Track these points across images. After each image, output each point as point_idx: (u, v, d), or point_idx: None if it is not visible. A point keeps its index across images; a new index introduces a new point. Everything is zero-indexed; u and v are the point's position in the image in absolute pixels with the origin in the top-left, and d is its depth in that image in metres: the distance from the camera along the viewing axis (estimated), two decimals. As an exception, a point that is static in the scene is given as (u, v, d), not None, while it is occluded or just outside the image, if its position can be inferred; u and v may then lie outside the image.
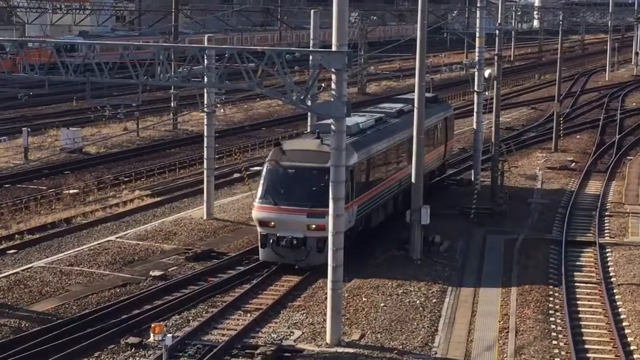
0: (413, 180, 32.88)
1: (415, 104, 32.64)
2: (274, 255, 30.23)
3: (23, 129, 53.08)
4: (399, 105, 40.34)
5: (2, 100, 67.33)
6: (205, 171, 37.49)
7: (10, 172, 46.16)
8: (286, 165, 30.79)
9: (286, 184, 30.69)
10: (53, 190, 42.51)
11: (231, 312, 26.92)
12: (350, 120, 32.43)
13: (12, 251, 33.04)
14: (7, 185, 43.65)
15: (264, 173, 31.04)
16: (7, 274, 30.24)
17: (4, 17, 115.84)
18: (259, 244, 30.65)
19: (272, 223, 30.14)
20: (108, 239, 34.46)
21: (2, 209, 38.68)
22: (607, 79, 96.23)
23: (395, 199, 36.78)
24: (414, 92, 38.04)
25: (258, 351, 23.55)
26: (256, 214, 30.65)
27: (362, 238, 32.34)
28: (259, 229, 30.62)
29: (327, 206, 26.15)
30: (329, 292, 24.54)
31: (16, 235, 34.99)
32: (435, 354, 24.14)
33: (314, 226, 29.54)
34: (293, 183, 30.61)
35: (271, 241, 30.08)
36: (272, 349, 23.74)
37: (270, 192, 30.38)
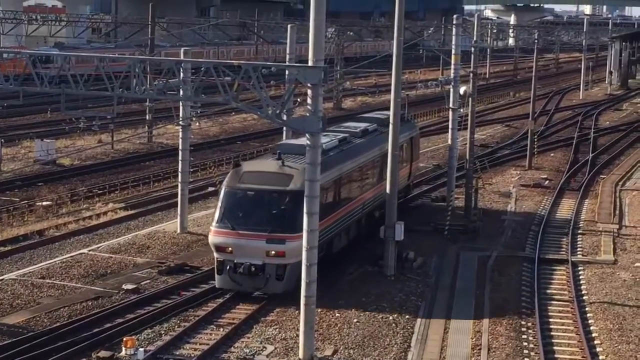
0: (387, 196, 32.93)
1: (391, 120, 32.70)
2: (231, 282, 28.74)
3: (-4, 140, 52.85)
4: (363, 125, 38.79)
5: (-25, 110, 67.01)
6: (179, 184, 37.39)
7: (-18, 183, 45.89)
8: (245, 187, 29.38)
9: (244, 208, 29.23)
10: (26, 202, 42.26)
11: (204, 327, 26.77)
12: None
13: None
14: (-22, 197, 43.41)
15: (221, 196, 29.68)
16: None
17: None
18: (215, 270, 29.19)
19: (229, 249, 28.61)
20: (81, 251, 34.27)
21: (-26, 221, 38.46)
22: (581, 98, 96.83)
23: (359, 222, 35.30)
24: (380, 110, 38.07)
25: (230, 366, 23.55)
26: (212, 238, 29.11)
27: (323, 264, 29.34)
28: (215, 255, 29.12)
29: (288, 231, 26.96)
30: (302, 307, 24.46)
31: (-11, 248, 34.78)
32: (408, 370, 24.15)
33: (273, 252, 28.16)
34: (252, 207, 29.16)
35: (228, 268, 28.52)
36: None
37: (228, 216, 28.94)
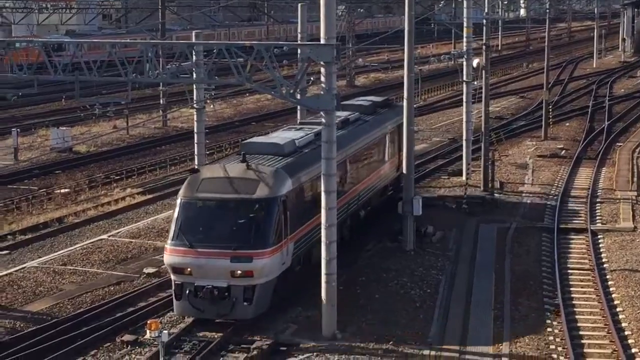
0: (404, 170, 32.89)
1: (405, 95, 32.68)
2: (192, 309, 24.32)
3: (12, 129, 53.04)
4: (344, 114, 33.54)
5: (-10, 101, 67.24)
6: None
7: (0, 172, 46.10)
8: (203, 197, 24.69)
9: (204, 222, 24.52)
10: (44, 190, 42.46)
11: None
12: (284, 138, 28.90)
13: (4, 252, 32.99)
14: (-3, 186, 43.63)
15: (177, 208, 25.00)
16: (0, 275, 30.23)
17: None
18: (173, 295, 24.77)
19: (188, 270, 23.97)
20: (100, 237, 34.44)
21: (-7, 210, 38.66)
22: (594, 66, 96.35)
23: (342, 224, 30.05)
24: (363, 96, 37.18)
25: (254, 345, 23.49)
26: (168, 258, 24.48)
27: (301, 278, 26.85)
28: (172, 277, 24.62)
29: (256, 247, 23.46)
30: (323, 285, 24.52)
31: (8, 236, 34.93)
32: (431, 344, 24.15)
33: (239, 272, 23.67)
34: (212, 220, 24.46)
35: (187, 292, 24.01)
36: (268, 343, 23.64)
37: (185, 232, 24.12)
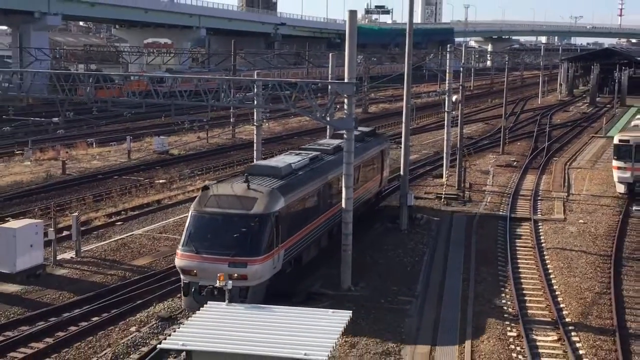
0: (401, 172, 32.71)
1: (403, 120, 32.58)
2: (196, 304, 20.99)
3: (127, 136, 53.42)
4: (337, 142, 30.97)
5: (113, 116, 67.61)
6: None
7: (118, 167, 46.44)
8: (210, 211, 22.25)
9: (209, 232, 22.04)
10: (148, 180, 42.72)
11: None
12: (282, 162, 26.12)
13: (119, 223, 33.26)
14: (115, 177, 43.89)
15: (188, 219, 22.57)
16: (116, 239, 30.46)
17: (113, 58, 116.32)
18: (182, 292, 22.38)
19: (194, 271, 21.68)
20: (186, 214, 34.50)
21: (113, 193, 38.90)
22: (539, 103, 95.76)
23: (331, 231, 27.89)
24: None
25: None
26: (178, 262, 22.03)
27: (292, 277, 24.13)
28: (181, 277, 22.20)
29: (250, 255, 21.03)
30: (342, 253, 24.54)
31: (122, 212, 35.19)
32: (417, 295, 24.11)
33: (235, 275, 21.03)
34: (216, 230, 22.06)
35: (193, 290, 21.69)
36: (304, 294, 23.71)
37: (193, 240, 21.84)
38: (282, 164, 25.34)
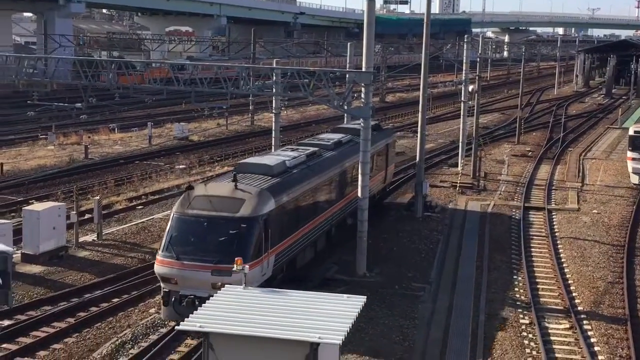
0: (417, 160, 32.59)
1: (420, 109, 32.45)
2: (176, 315, 19.08)
3: (148, 123, 53.61)
4: (338, 136, 29.22)
5: (134, 103, 67.98)
6: (272, 154, 37.40)
7: (139, 152, 46.61)
8: (192, 214, 19.65)
9: (191, 236, 19.50)
10: (168, 165, 42.89)
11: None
12: (276, 159, 23.52)
13: (140, 207, 33.42)
14: (137, 162, 44.07)
15: (169, 222, 20.07)
16: (136, 222, 30.63)
17: (136, 46, 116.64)
18: (161, 301, 19.79)
19: (174, 280, 19.14)
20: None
21: (134, 178, 39.09)
22: (555, 94, 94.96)
23: (329, 232, 25.89)
24: (359, 121, 33.56)
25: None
26: (157, 268, 19.46)
27: (284, 283, 20.92)
28: (161, 285, 19.70)
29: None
30: (358, 239, 24.54)
31: (143, 196, 35.36)
32: (431, 281, 24.09)
33: (219, 284, 17.69)
34: (199, 235, 19.45)
35: (173, 299, 19.21)
36: (319, 279, 23.74)
37: (174, 245, 19.29)
38: (275, 161, 22.92)
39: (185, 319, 17.35)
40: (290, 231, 21.70)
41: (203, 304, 13.19)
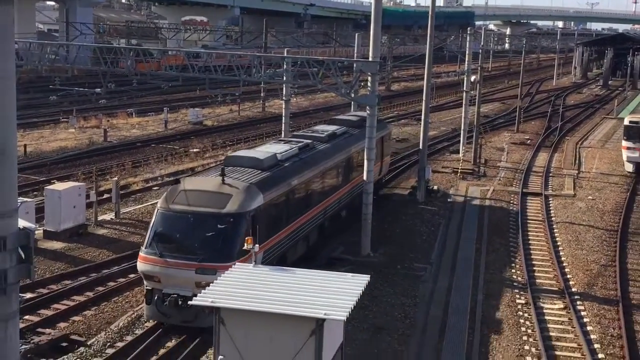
0: (420, 146, 32.47)
1: (424, 98, 32.32)
2: (158, 314, 17.87)
3: (164, 108, 53.61)
4: (332, 128, 27.54)
5: (151, 89, 67.93)
6: (282, 139, 37.36)
7: (155, 136, 46.62)
8: (177, 209, 18.11)
9: (175, 233, 17.97)
10: (183, 149, 42.91)
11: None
12: (266, 152, 21.87)
13: (155, 188, 33.47)
14: (153, 145, 44.10)
15: (153, 217, 18.57)
16: (152, 202, 30.64)
17: (153, 34, 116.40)
18: (144, 299, 18.37)
19: (157, 278, 17.70)
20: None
21: (150, 160, 39.15)
22: (554, 84, 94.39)
23: (322, 226, 24.18)
24: (355, 111, 32.69)
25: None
26: (139, 265, 18.01)
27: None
28: (144, 282, 18.28)
29: (220, 260, 16.79)
30: (362, 221, 24.54)
31: (158, 178, 35.41)
32: (432, 262, 24.11)
33: (204, 283, 16.01)
34: (183, 231, 17.97)
35: (156, 298, 17.81)
36: (326, 258, 23.76)
37: (158, 241, 17.79)
38: (265, 155, 21.33)
39: (168, 319, 16.46)
40: (280, 227, 20.14)
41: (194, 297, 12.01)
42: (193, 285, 17.04)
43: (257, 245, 13.50)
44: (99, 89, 42.29)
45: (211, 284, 12.39)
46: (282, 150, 22.57)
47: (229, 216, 17.76)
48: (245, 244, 13.69)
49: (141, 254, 17.98)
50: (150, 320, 18.30)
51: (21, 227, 7.77)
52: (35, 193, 30.99)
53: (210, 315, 15.75)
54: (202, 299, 11.46)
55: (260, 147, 24.35)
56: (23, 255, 7.76)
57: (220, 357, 11.25)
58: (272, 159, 21.31)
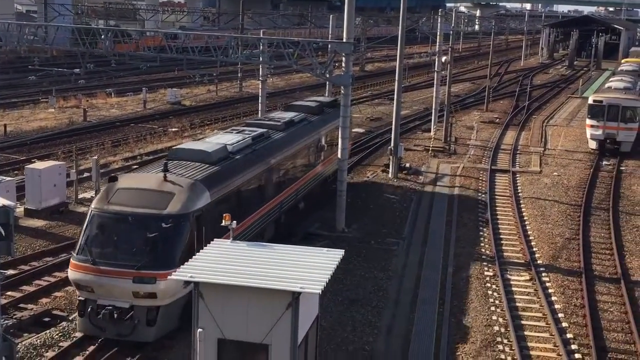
0: (393, 125, 32.53)
1: (397, 78, 32.28)
2: (92, 327, 15.50)
3: (143, 88, 52.96)
4: (290, 115, 25.20)
5: (129, 69, 67.10)
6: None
7: (134, 115, 46.14)
8: (112, 210, 15.63)
9: (111, 237, 15.46)
10: (162, 128, 42.55)
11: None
12: (215, 144, 19.25)
13: (135, 167, 33.15)
14: (132, 124, 43.69)
15: (86, 219, 15.99)
16: (132, 181, 30.39)
17: (131, 15, 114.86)
18: (77, 311, 16.00)
19: (90, 288, 15.35)
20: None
21: (129, 140, 38.78)
22: (522, 65, 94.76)
23: (277, 221, 21.61)
24: (314, 97, 32.14)
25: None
26: (70, 274, 15.65)
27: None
28: (77, 292, 15.95)
29: (161, 267, 14.75)
30: (337, 198, 24.58)
31: (138, 157, 35.15)
32: (404, 237, 24.25)
33: (142, 293, 14.95)
34: (120, 236, 15.42)
35: (90, 309, 15.45)
36: (302, 234, 23.82)
37: (90, 247, 15.43)
38: (214, 147, 18.82)
39: (103, 332, 14.70)
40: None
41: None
42: (130, 296, 15.10)
43: (234, 221, 13.26)
44: (77, 70, 41.78)
45: (190, 260, 12.21)
46: (233, 141, 20.07)
47: (171, 218, 15.41)
48: (223, 221, 13.30)
49: (72, 260, 15.61)
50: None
51: (1, 205, 7.68)
52: (15, 172, 30.59)
53: (152, 329, 15.15)
54: (181, 274, 11.42)
55: (210, 137, 21.64)
56: (3, 233, 7.68)
57: (199, 329, 11.26)
58: (222, 152, 18.82)
